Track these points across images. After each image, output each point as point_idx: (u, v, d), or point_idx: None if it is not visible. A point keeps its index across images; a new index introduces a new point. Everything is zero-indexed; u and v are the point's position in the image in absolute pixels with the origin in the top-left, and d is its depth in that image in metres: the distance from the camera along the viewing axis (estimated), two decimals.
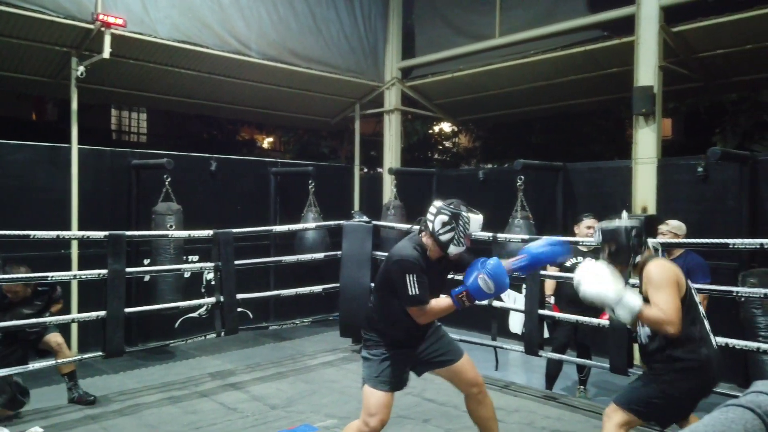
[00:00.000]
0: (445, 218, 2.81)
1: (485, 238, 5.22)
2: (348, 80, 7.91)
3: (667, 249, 4.36)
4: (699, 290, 4.13)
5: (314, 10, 7.45)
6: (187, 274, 6.01)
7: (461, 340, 5.22)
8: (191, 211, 6.03)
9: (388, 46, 8.28)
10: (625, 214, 2.81)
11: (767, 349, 3.95)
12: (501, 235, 5.19)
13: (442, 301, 2.84)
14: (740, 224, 5.01)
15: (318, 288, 6.04)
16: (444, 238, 2.81)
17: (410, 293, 2.75)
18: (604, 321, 4.28)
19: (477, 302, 2.79)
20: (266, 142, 17.80)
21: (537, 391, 4.81)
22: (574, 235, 4.89)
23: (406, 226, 6.34)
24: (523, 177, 5.85)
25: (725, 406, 0.59)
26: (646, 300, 2.64)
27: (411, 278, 2.76)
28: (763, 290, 4.38)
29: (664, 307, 2.53)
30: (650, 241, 2.68)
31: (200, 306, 6.41)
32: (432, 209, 2.88)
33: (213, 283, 5.57)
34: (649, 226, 4.68)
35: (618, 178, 5.94)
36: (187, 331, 6.11)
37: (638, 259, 2.73)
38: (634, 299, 2.58)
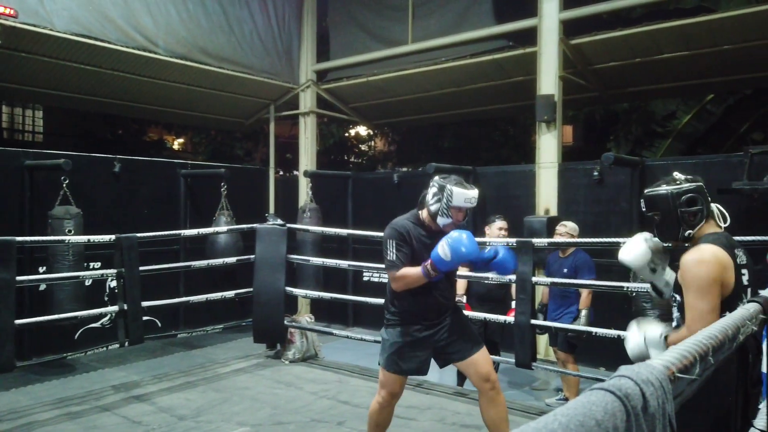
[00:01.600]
0: (435, 190, 2.95)
1: None
2: (262, 81, 7.79)
3: (560, 247, 4.64)
4: (589, 286, 4.45)
5: (226, 9, 7.28)
6: (88, 282, 5.67)
7: (374, 340, 5.30)
8: (93, 216, 5.70)
9: (303, 48, 8.23)
10: (678, 174, 2.28)
11: None
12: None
13: (413, 269, 2.91)
14: (631, 224, 5.41)
15: (230, 293, 5.89)
16: (432, 208, 2.95)
17: (387, 257, 2.93)
18: (510, 318, 4.48)
19: (442, 271, 2.83)
20: (176, 143, 17.12)
21: (448, 387, 4.95)
22: (484, 235, 5.08)
23: (321, 229, 6.34)
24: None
25: (589, 390, 0.64)
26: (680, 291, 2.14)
27: (391, 243, 2.93)
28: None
29: (691, 321, 1.97)
30: (714, 207, 2.18)
31: (103, 315, 6.06)
32: (431, 183, 3.02)
33: (116, 290, 5.29)
34: (551, 227, 4.97)
35: (523, 181, 6.24)
36: (89, 343, 5.75)
37: (690, 232, 2.16)
38: (654, 332, 2.13)
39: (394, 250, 2.92)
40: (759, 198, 4.77)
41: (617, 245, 4.35)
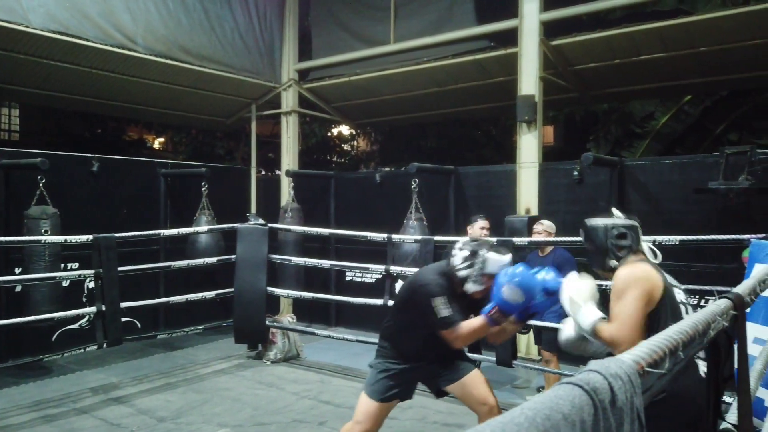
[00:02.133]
0: (466, 254, 2.78)
1: (379, 239, 5.32)
2: (243, 80, 7.74)
3: (539, 246, 4.67)
4: None
5: (207, 7, 7.22)
6: (65, 283, 5.58)
7: (356, 340, 5.30)
8: (71, 216, 5.61)
9: (285, 47, 8.19)
10: (616, 211, 2.45)
11: None
12: (396, 236, 5.33)
13: (475, 321, 2.73)
14: None
15: (211, 294, 5.84)
16: (461, 273, 2.77)
17: (440, 315, 2.72)
18: None
19: (514, 315, 2.66)
20: (157, 142, 16.94)
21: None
22: (466, 235, 5.10)
23: (303, 229, 6.32)
24: (417, 180, 6.04)
25: (557, 385, 0.65)
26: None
27: (438, 301, 2.73)
28: None
29: (616, 321, 2.10)
30: (646, 245, 2.31)
31: (81, 316, 5.97)
32: (457, 243, 2.88)
33: (94, 291, 5.21)
34: (531, 226, 5.01)
35: (504, 181, 6.28)
36: (66, 344, 5.66)
37: (614, 263, 2.28)
38: (588, 314, 2.19)
39: (447, 306, 2.72)
40: (734, 197, 4.85)
41: None
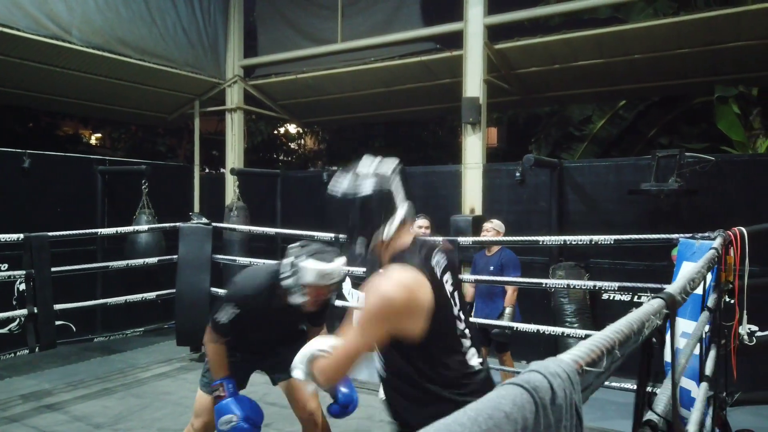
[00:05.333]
0: (291, 260, 2.46)
1: (327, 239, 5.31)
2: (186, 75, 7.54)
3: (487, 246, 4.78)
4: (511, 283, 4.59)
5: None
6: None
7: None
8: (0, 214, 5.33)
9: (230, 43, 8.03)
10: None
11: (571, 333, 4.52)
12: (343, 236, 5.32)
13: (219, 357, 2.67)
14: (550, 223, 5.67)
15: (152, 295, 5.67)
16: (284, 284, 2.48)
17: (214, 315, 2.64)
18: None
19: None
20: (93, 138, 16.26)
21: (376, 385, 4.98)
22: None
23: (248, 228, 6.22)
24: None
25: (500, 385, 0.67)
26: None
27: (227, 304, 2.61)
28: (568, 281, 5.01)
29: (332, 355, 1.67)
30: (400, 218, 1.69)
31: (11, 320, 5.68)
32: (292, 247, 2.56)
33: (25, 293, 4.96)
34: (476, 225, 5.12)
35: (450, 181, 6.39)
36: None
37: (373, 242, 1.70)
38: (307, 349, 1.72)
39: (227, 314, 2.58)
40: (664, 198, 5.12)
41: (537, 243, 4.56)
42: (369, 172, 1.70)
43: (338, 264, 2.43)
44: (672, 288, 1.37)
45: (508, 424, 0.61)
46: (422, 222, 4.97)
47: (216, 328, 2.63)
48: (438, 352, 1.63)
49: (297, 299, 2.46)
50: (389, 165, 1.73)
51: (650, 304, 1.15)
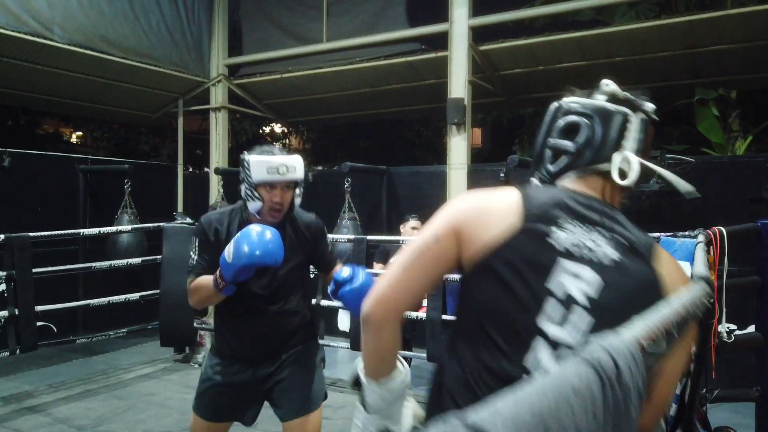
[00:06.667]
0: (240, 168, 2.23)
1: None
2: (169, 74, 7.47)
3: None
4: None
5: None
6: None
7: None
8: None
9: (214, 42, 7.98)
10: None
11: None
12: (330, 236, 5.32)
13: (207, 279, 2.16)
14: None
15: (135, 295, 5.62)
16: (242, 193, 2.26)
17: (189, 261, 2.24)
18: (421, 314, 4.60)
19: (229, 280, 2.07)
20: (74, 136, 16.05)
21: None
22: (399, 234, 5.18)
23: None
24: (350, 179, 6.06)
25: (564, 361, 0.66)
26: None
27: (194, 243, 2.25)
28: None
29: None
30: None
31: None
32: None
33: (6, 294, 4.89)
34: None
35: (435, 181, 6.42)
36: None
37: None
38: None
39: (196, 250, 2.22)
40: (646, 199, 5.19)
41: None
42: None
43: (286, 158, 2.19)
44: (703, 273, 1.31)
45: (577, 399, 0.60)
46: (414, 223, 4.99)
47: (188, 272, 2.25)
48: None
49: (254, 206, 2.21)
50: None
51: (700, 286, 1.04)
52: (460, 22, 6.10)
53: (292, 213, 2.30)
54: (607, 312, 0.98)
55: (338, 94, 7.83)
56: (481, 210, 1.13)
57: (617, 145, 1.18)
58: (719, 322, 2.80)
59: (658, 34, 5.79)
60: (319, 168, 12.64)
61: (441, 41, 6.37)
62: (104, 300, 5.43)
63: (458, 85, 6.07)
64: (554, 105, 1.30)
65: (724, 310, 2.81)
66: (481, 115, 11.69)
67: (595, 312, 0.99)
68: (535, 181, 1.28)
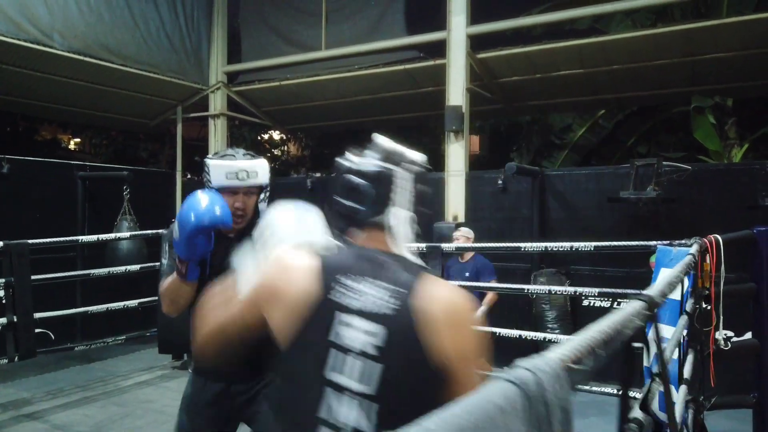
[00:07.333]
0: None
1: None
2: (169, 81, 7.50)
3: (460, 252, 4.81)
4: (495, 289, 4.65)
5: (131, 3, 6.95)
6: None
7: None
8: None
9: (213, 49, 8.02)
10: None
11: (552, 339, 4.58)
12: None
13: (172, 276, 2.03)
14: (532, 230, 5.74)
15: (133, 302, 5.62)
16: None
17: (160, 269, 2.13)
18: None
19: (185, 258, 1.95)
20: (72, 143, 16.05)
21: None
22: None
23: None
24: None
25: (489, 381, 0.70)
26: None
27: (164, 249, 2.13)
28: (549, 287, 5.07)
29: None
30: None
31: None
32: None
33: (4, 301, 4.89)
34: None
35: (433, 188, 6.43)
36: None
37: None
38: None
39: (165, 257, 2.09)
40: (643, 206, 5.22)
41: (519, 250, 4.61)
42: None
43: (247, 163, 2.08)
44: (652, 290, 1.41)
45: (501, 416, 0.63)
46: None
47: (161, 276, 2.15)
48: None
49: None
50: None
51: (632, 306, 1.17)
52: (458, 30, 6.14)
53: (258, 218, 2.12)
54: (383, 350, 1.15)
55: (336, 101, 7.86)
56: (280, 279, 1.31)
57: (388, 200, 1.31)
58: (716, 329, 2.82)
59: (654, 43, 5.84)
60: (318, 175, 12.65)
61: (439, 49, 6.41)
62: (103, 307, 5.43)
63: (456, 93, 6.10)
64: (336, 163, 1.43)
65: (722, 317, 2.83)
66: (479, 122, 11.73)
67: (368, 355, 1.15)
68: (333, 240, 1.45)
